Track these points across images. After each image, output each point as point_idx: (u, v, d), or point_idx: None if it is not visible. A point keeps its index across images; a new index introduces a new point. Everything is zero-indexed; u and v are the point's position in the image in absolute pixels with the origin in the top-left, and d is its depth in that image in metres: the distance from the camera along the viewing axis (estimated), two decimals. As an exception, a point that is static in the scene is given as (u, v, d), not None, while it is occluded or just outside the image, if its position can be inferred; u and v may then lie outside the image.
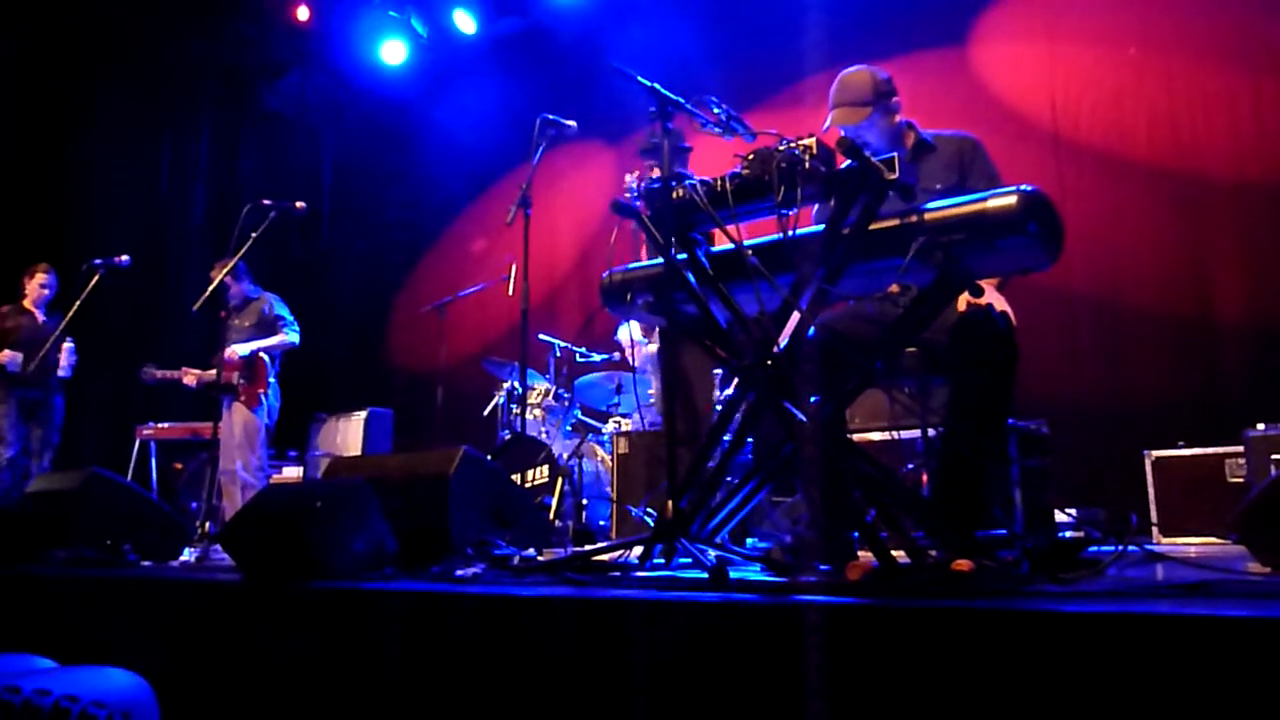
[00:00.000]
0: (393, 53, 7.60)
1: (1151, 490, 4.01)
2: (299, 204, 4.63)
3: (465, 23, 7.22)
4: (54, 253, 6.48)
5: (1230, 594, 1.62)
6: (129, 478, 5.82)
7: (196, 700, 2.03)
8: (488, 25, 7.24)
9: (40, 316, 5.88)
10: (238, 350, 5.48)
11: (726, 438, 2.53)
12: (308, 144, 8.29)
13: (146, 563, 3.60)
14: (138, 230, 6.87)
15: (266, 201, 4.56)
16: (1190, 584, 1.73)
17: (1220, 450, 3.92)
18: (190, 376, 5.65)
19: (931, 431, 3.00)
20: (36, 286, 5.90)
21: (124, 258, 5.39)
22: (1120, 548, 2.25)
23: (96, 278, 5.30)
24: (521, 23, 7.21)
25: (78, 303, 5.24)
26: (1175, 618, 1.30)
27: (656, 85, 2.51)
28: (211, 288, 4.70)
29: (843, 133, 2.27)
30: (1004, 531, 2.79)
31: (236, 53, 7.79)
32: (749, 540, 3.77)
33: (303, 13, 7.38)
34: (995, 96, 5.47)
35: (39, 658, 1.34)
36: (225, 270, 4.74)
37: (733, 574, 1.97)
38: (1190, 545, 3.75)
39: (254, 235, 4.59)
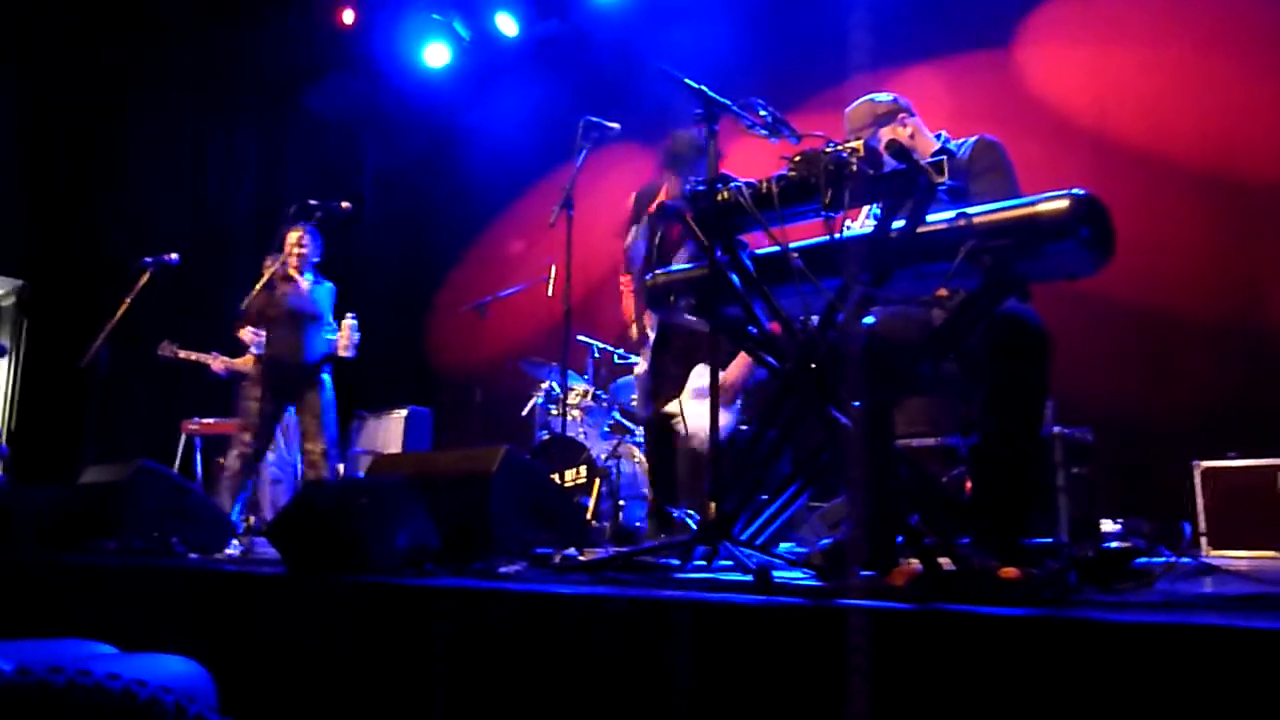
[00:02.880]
0: (436, 55, 7.68)
1: (1201, 501, 3.94)
2: (344, 203, 4.70)
3: (507, 25, 7.27)
4: (103, 251, 6.64)
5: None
6: (175, 470, 5.93)
7: (245, 688, 2.07)
8: (529, 27, 7.29)
9: (304, 284, 5.21)
10: None
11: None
12: (350, 145, 8.40)
13: (193, 555, 3.66)
14: (185, 229, 7.00)
15: (312, 201, 4.63)
16: (1242, 597, 1.70)
17: (1272, 461, 3.83)
18: (220, 363, 5.60)
19: (976, 435, 2.97)
20: (294, 245, 5.15)
21: (173, 255, 5.49)
22: (1171, 558, 2.22)
23: (146, 275, 5.41)
24: (562, 25, 7.24)
25: (128, 300, 5.34)
26: (1226, 630, 1.28)
27: (704, 88, 2.52)
28: (261, 283, 4.77)
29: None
30: (1050, 539, 2.75)
31: (281, 54, 7.92)
32: (785, 545, 3.75)
33: (348, 16, 7.48)
34: (1037, 99, 5.41)
35: (99, 643, 1.37)
36: (281, 259, 4.80)
37: (776, 576, 1.97)
38: (1241, 558, 3.67)
39: (315, 258, 4.69)
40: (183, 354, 5.59)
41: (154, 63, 7.38)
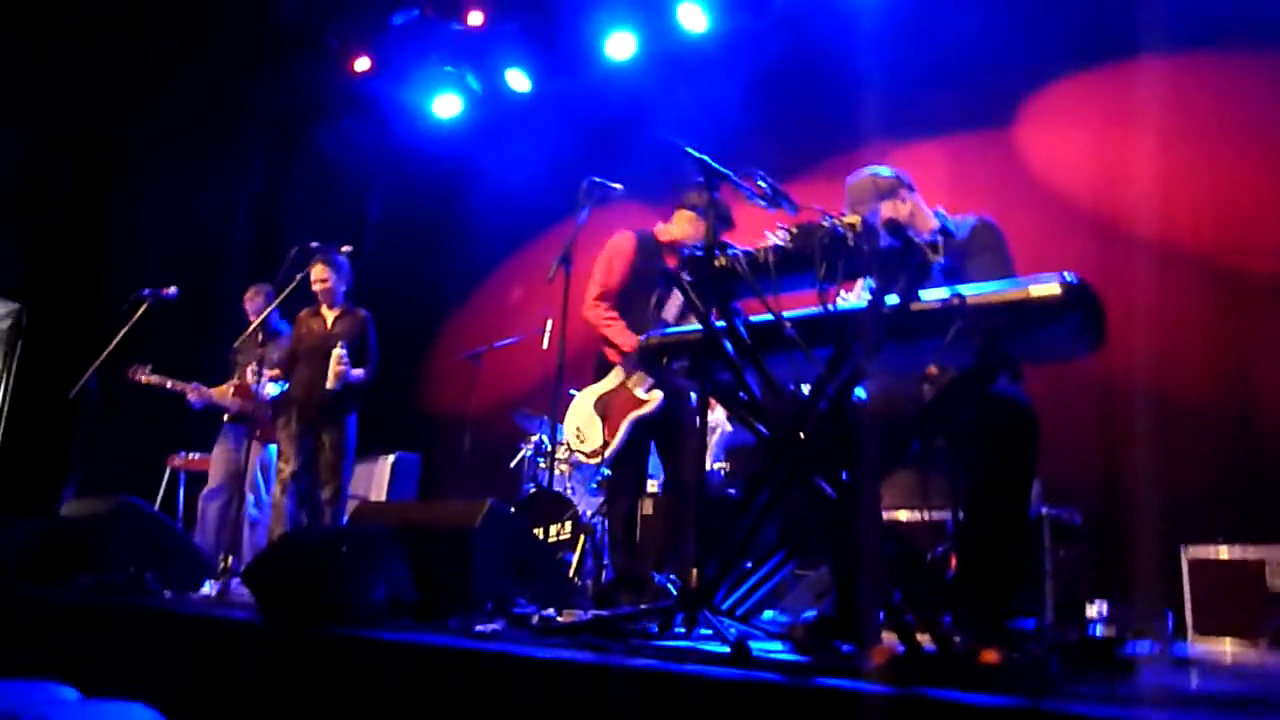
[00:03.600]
0: (446, 106, 7.80)
1: (1187, 589, 3.90)
2: (346, 247, 4.72)
3: (519, 81, 7.39)
4: (104, 283, 6.64)
5: (1270, 709, 1.57)
6: (156, 507, 5.87)
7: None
8: (540, 84, 7.42)
9: (329, 318, 5.23)
10: (270, 390, 5.36)
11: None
12: (355, 189, 8.47)
13: (168, 593, 3.61)
14: (184, 264, 7.02)
15: (314, 244, 4.65)
16: (1227, 695, 1.69)
17: (1261, 554, 3.81)
18: (195, 393, 5.48)
19: (961, 514, 2.96)
20: (316, 280, 5.17)
21: (171, 289, 5.51)
22: (1155, 648, 2.20)
23: (144, 308, 5.42)
24: (573, 83, 7.37)
25: (123, 331, 5.35)
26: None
27: (705, 157, 2.55)
28: (261, 317, 4.77)
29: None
30: (1034, 621, 2.73)
31: (292, 95, 8.03)
32: (770, 613, 3.71)
33: (362, 63, 7.60)
34: (1038, 179, 5.48)
35: (63, 686, 1.35)
36: (278, 300, 4.80)
37: (754, 648, 1.95)
38: (1225, 648, 3.63)
39: (299, 276, 4.70)
40: (154, 380, 5.45)
41: (162, 95, 7.46)
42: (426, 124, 7.92)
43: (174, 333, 5.85)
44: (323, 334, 5.12)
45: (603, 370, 4.11)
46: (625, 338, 3.95)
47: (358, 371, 5.03)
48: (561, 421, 5.07)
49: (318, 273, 5.12)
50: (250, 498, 5.38)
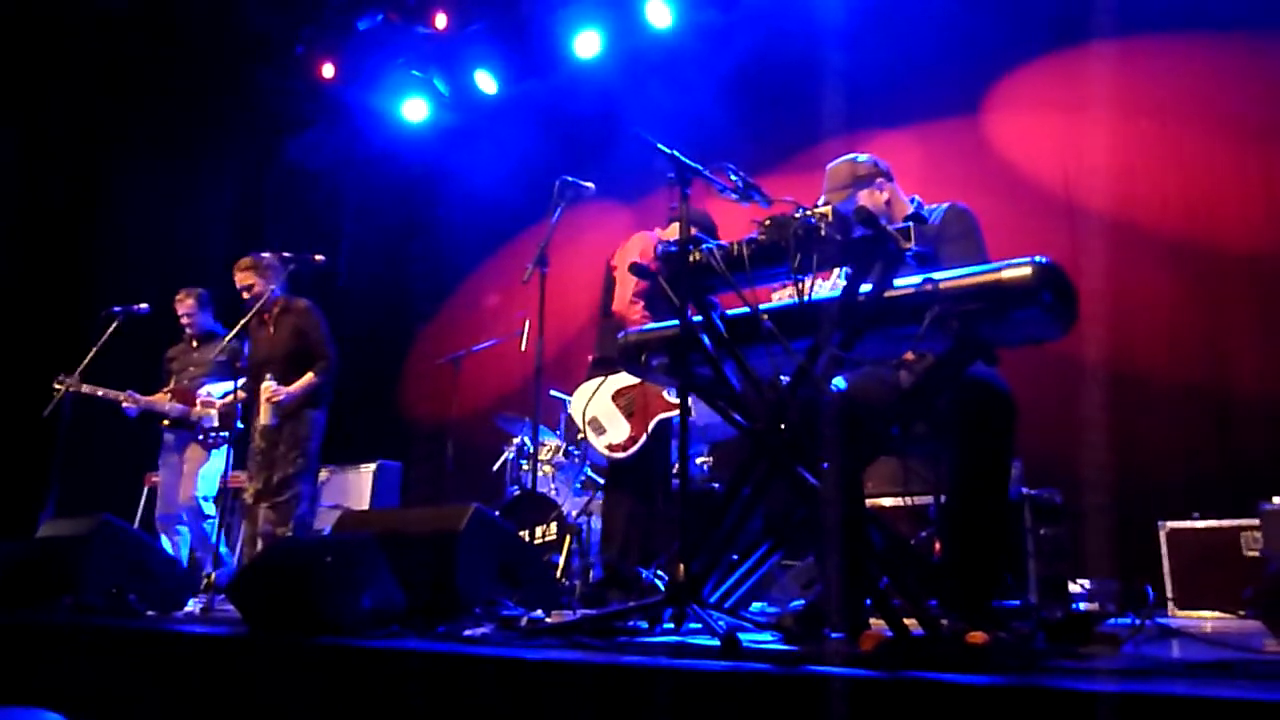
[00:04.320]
0: (414, 110, 7.76)
1: (1166, 563, 3.96)
2: (318, 256, 4.69)
3: (486, 83, 7.37)
4: (74, 299, 6.57)
5: (1250, 675, 1.59)
6: (136, 525, 5.81)
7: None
8: (509, 85, 7.40)
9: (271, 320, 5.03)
10: (212, 390, 5.30)
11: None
12: (328, 196, 8.42)
13: (151, 612, 3.58)
14: (156, 278, 6.95)
15: (287, 254, 4.62)
16: (1208, 663, 1.71)
17: (1236, 523, 3.87)
18: (129, 400, 5.32)
19: (944, 498, 2.99)
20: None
21: (143, 306, 5.46)
22: (1137, 621, 2.23)
23: (115, 325, 5.37)
24: (542, 84, 7.35)
25: (94, 349, 5.29)
26: (1194, 699, 1.28)
27: (676, 153, 2.56)
28: (228, 339, 4.72)
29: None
30: (1018, 602, 2.76)
31: (261, 105, 7.97)
32: (758, 605, 3.73)
33: (328, 70, 7.56)
34: (1009, 166, 5.53)
35: (49, 713, 1.33)
36: (261, 301, 4.75)
37: (744, 640, 1.96)
38: (1206, 620, 3.69)
39: (272, 287, 4.66)
40: (79, 388, 5.26)
41: (133, 111, 7.40)
42: (396, 129, 7.88)
43: (149, 349, 5.77)
44: (267, 340, 4.89)
45: (603, 366, 4.12)
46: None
47: (305, 383, 4.77)
48: (546, 423, 5.08)
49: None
50: (185, 508, 5.25)
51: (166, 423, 5.40)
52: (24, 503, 6.14)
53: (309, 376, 4.78)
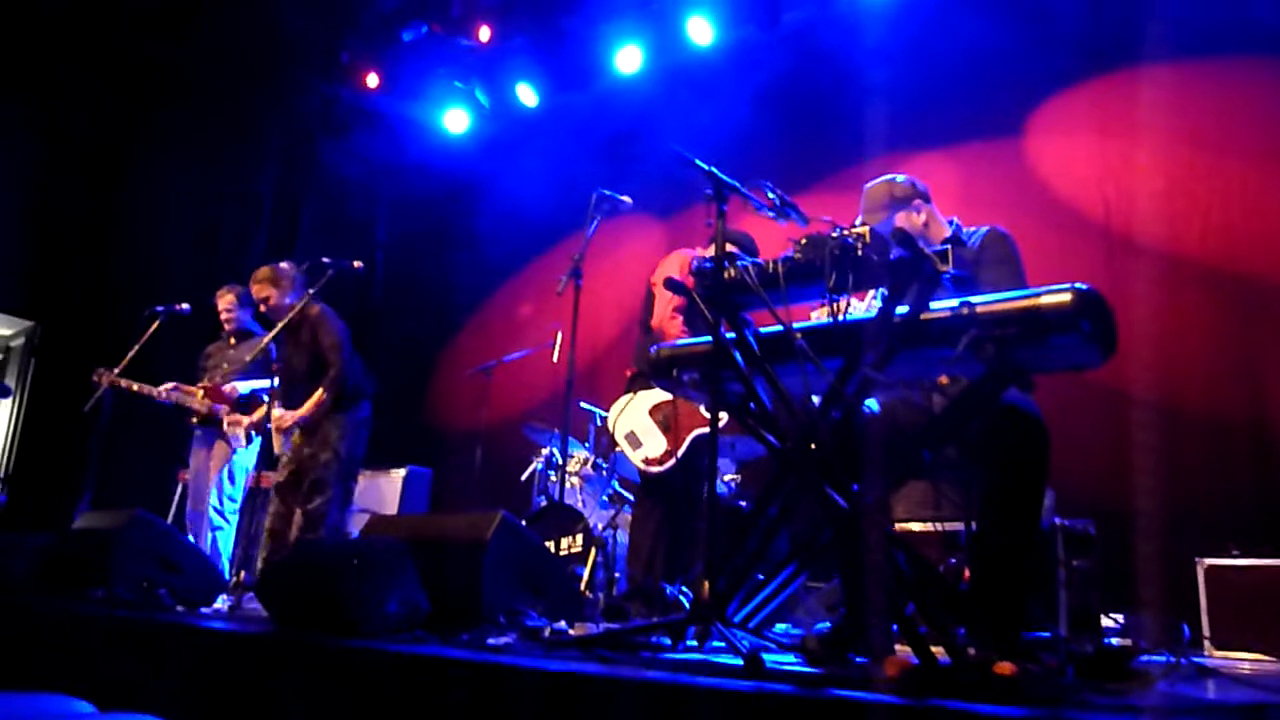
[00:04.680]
0: (455, 121, 7.85)
1: (1204, 600, 3.87)
2: (357, 263, 4.74)
3: (527, 96, 7.44)
4: (116, 299, 6.69)
5: (1287, 718, 1.55)
6: (169, 521, 5.88)
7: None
8: (549, 98, 7.46)
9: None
10: (238, 387, 5.35)
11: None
12: (366, 203, 8.52)
13: (180, 607, 3.62)
14: (195, 279, 7.06)
15: (326, 259, 4.67)
16: (1244, 705, 1.67)
17: (1277, 564, 3.78)
18: (166, 393, 5.35)
19: (975, 525, 2.95)
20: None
21: (185, 305, 5.55)
22: (1171, 659, 2.18)
23: (156, 324, 5.46)
24: (582, 97, 7.41)
25: (135, 347, 5.38)
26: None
27: (714, 169, 2.56)
28: (261, 345, 4.77)
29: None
30: (1048, 634, 2.71)
31: (303, 110, 8.09)
32: (782, 626, 3.70)
33: (372, 79, 7.67)
34: (1048, 190, 5.48)
35: (77, 700, 1.35)
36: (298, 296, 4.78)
37: (768, 660, 1.94)
38: (1244, 660, 3.60)
39: (311, 291, 4.72)
40: (119, 382, 5.32)
41: (174, 111, 7.53)
42: (436, 139, 7.97)
43: (188, 348, 5.86)
44: (290, 352, 4.96)
45: (641, 380, 4.13)
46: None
47: (313, 403, 4.79)
48: (575, 435, 5.08)
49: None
50: (215, 506, 5.29)
51: (196, 419, 5.47)
52: (62, 495, 6.26)
53: (318, 394, 4.82)
